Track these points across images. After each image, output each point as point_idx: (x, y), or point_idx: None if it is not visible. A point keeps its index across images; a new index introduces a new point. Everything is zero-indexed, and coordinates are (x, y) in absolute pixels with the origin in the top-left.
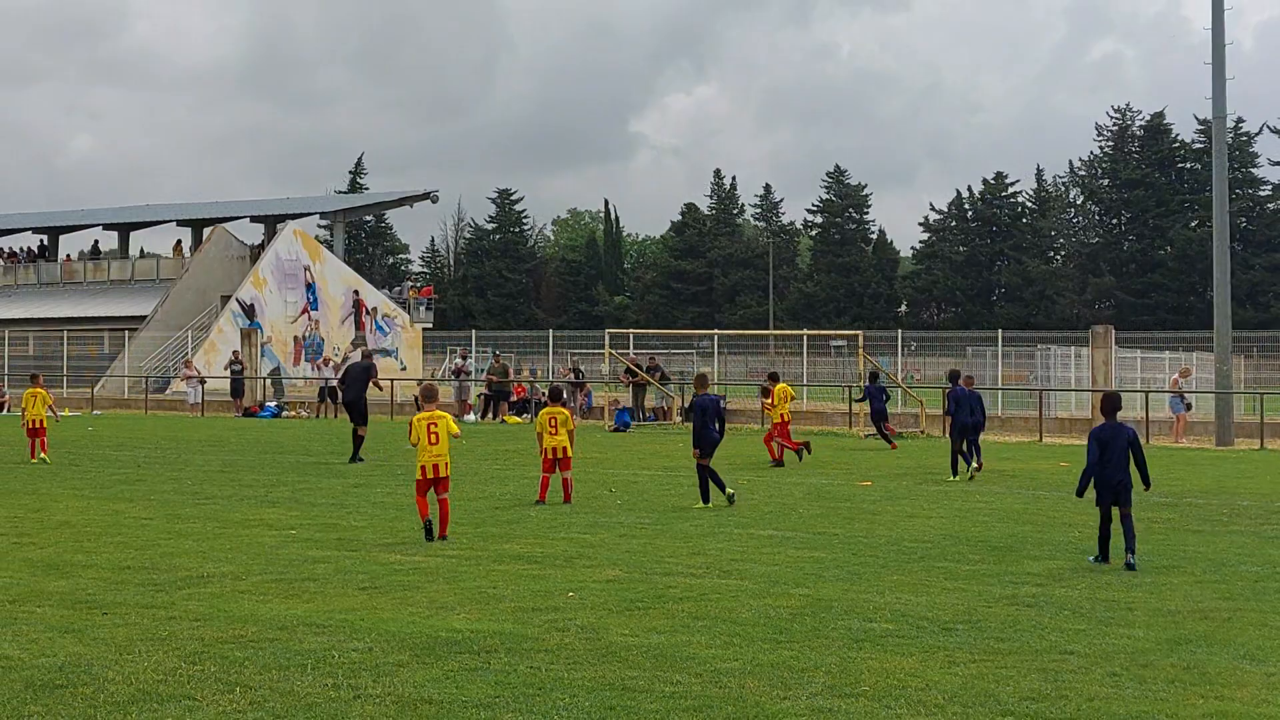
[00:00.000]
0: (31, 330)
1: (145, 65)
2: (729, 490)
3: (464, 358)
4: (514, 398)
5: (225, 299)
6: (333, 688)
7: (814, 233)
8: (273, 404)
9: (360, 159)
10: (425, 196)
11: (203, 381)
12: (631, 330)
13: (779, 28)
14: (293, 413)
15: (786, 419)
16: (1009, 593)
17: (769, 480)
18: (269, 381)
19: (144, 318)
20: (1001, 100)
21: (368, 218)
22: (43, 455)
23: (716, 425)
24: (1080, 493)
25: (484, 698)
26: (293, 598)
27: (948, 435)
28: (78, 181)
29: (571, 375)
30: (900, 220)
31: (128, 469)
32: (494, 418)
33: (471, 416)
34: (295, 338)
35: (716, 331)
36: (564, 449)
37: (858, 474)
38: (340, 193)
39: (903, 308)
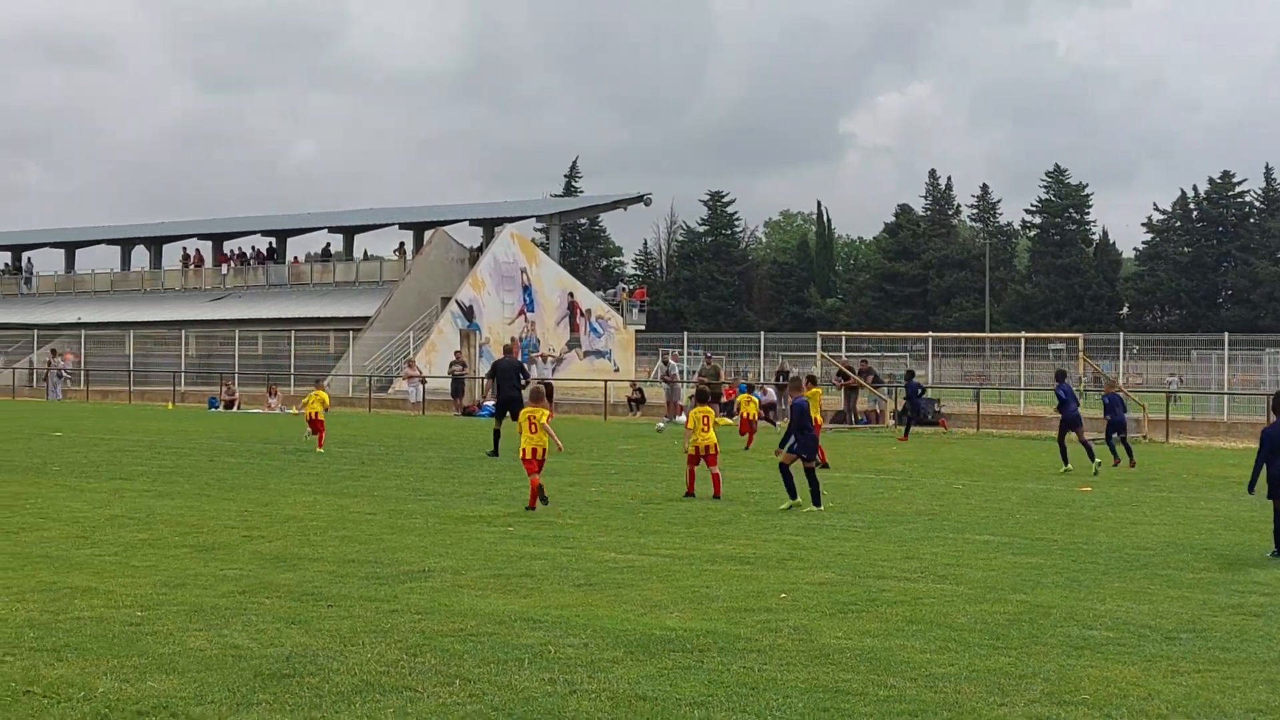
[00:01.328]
0: (261, 330)
1: (362, 71)
2: (817, 505)
3: (668, 362)
4: (724, 399)
5: (445, 300)
6: (549, 682)
7: (1032, 233)
8: (490, 403)
9: (575, 162)
10: (639, 199)
11: (424, 381)
12: (844, 333)
13: (993, 25)
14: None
15: (818, 423)
16: (1235, 601)
17: (984, 485)
18: (487, 381)
19: (368, 318)
20: (1224, 97)
21: (582, 220)
22: (319, 448)
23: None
24: (1251, 488)
25: (697, 696)
26: (510, 593)
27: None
28: (299, 185)
29: (777, 378)
30: (1120, 220)
31: (352, 465)
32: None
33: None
34: (512, 339)
35: (931, 334)
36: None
37: (1078, 480)
38: (555, 196)
39: (1124, 310)
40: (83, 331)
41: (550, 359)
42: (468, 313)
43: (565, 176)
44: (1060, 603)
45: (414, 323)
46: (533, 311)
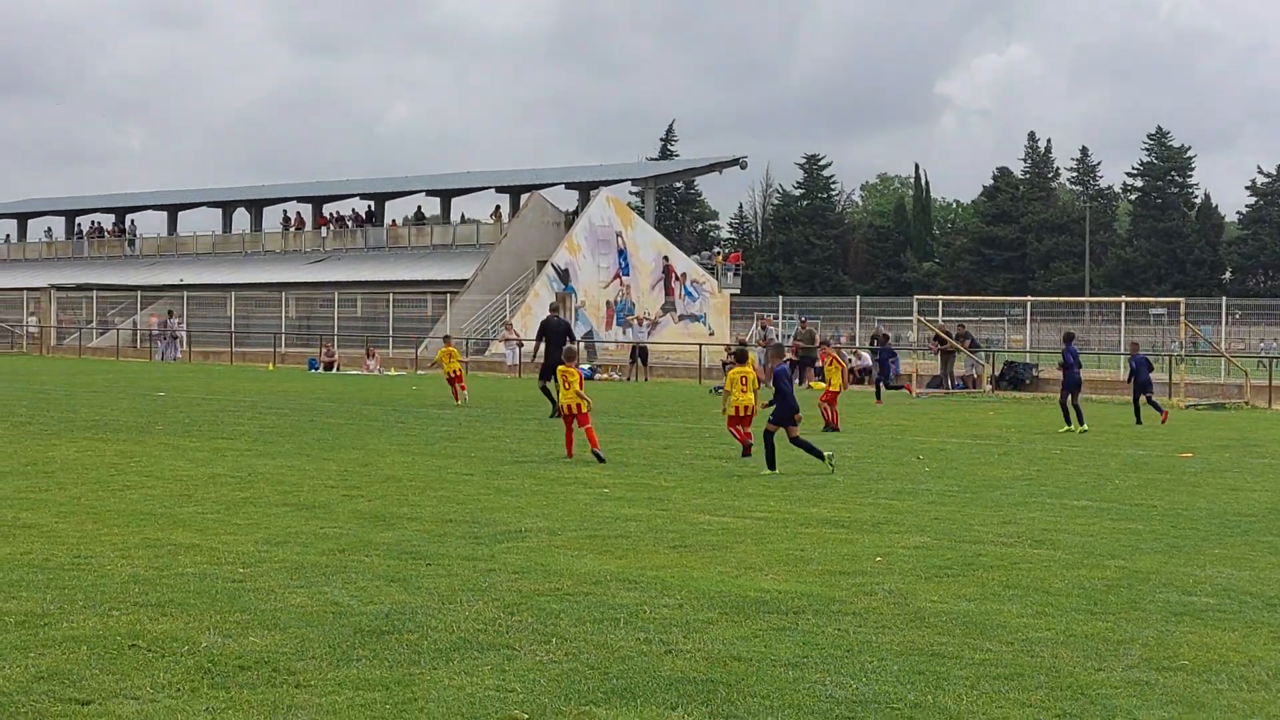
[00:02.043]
0: (359, 292)
1: (459, 34)
2: (827, 453)
3: (765, 327)
4: (819, 364)
5: (541, 264)
6: (644, 642)
7: (1133, 197)
8: (586, 366)
9: (671, 126)
10: (734, 162)
11: (520, 344)
12: (940, 297)
13: None
14: (605, 375)
15: (833, 388)
16: None
17: (1083, 451)
18: (582, 345)
19: (464, 281)
20: None
21: (678, 184)
22: (463, 394)
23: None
24: None
25: (792, 657)
26: (605, 554)
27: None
28: (397, 149)
29: (872, 342)
30: (1222, 183)
31: (450, 426)
32: (800, 383)
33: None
34: (607, 302)
35: (1029, 298)
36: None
37: (1177, 445)
38: (651, 159)
39: (1227, 275)
40: (185, 293)
41: (645, 322)
42: (563, 276)
43: (661, 140)
44: (1159, 568)
45: (510, 286)
46: (628, 275)
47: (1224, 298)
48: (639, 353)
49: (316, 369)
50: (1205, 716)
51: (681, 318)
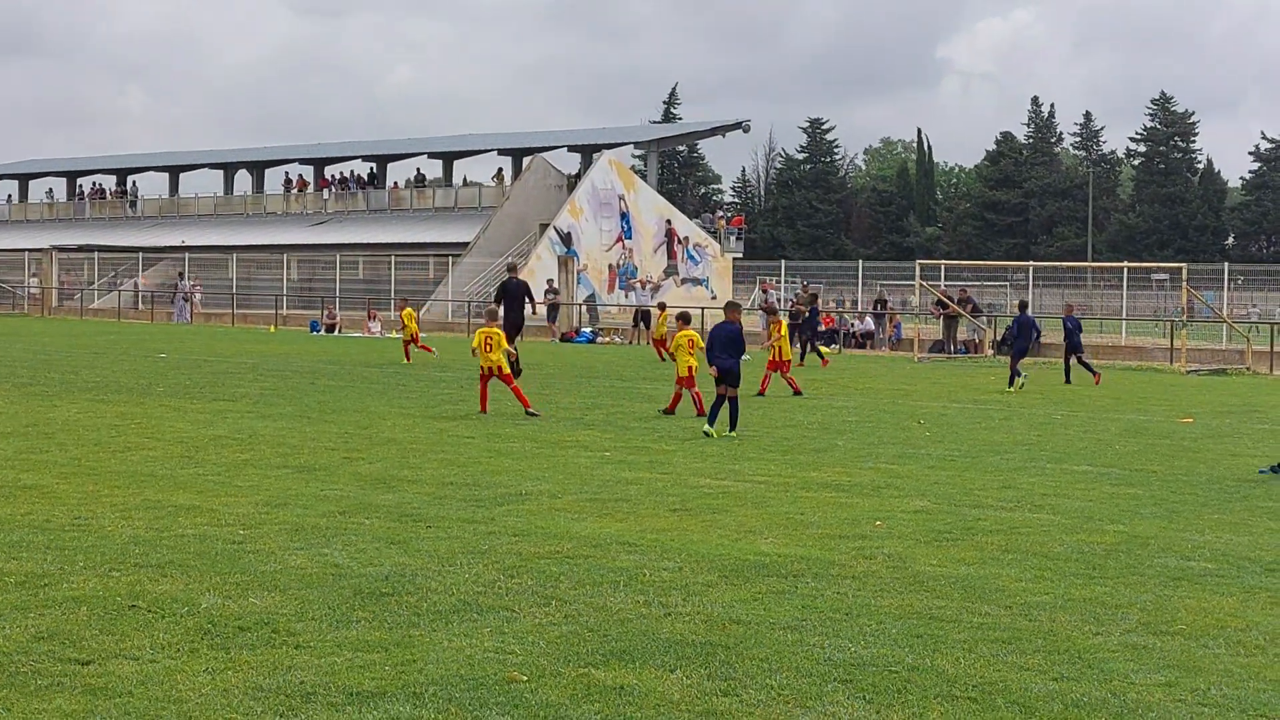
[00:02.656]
0: (361, 255)
1: None
2: (729, 433)
3: (766, 290)
4: (822, 328)
5: (543, 227)
6: (644, 604)
7: (1137, 162)
8: (588, 330)
9: (674, 89)
10: (737, 126)
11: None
12: (943, 261)
13: None
14: (607, 338)
15: (784, 357)
16: None
17: (1084, 416)
18: (584, 308)
19: (466, 244)
20: None
21: (680, 148)
22: (427, 354)
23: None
24: None
25: (791, 620)
26: (606, 517)
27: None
28: (399, 111)
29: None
30: (1225, 149)
31: (451, 389)
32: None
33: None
34: (609, 266)
35: (1032, 263)
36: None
37: (1179, 410)
38: (654, 123)
39: (1230, 240)
40: (186, 254)
41: (648, 286)
42: (566, 239)
43: (664, 103)
44: (1158, 533)
45: (512, 249)
46: (630, 238)
47: (1226, 264)
48: (642, 316)
49: (318, 331)
50: (1202, 681)
51: (684, 281)
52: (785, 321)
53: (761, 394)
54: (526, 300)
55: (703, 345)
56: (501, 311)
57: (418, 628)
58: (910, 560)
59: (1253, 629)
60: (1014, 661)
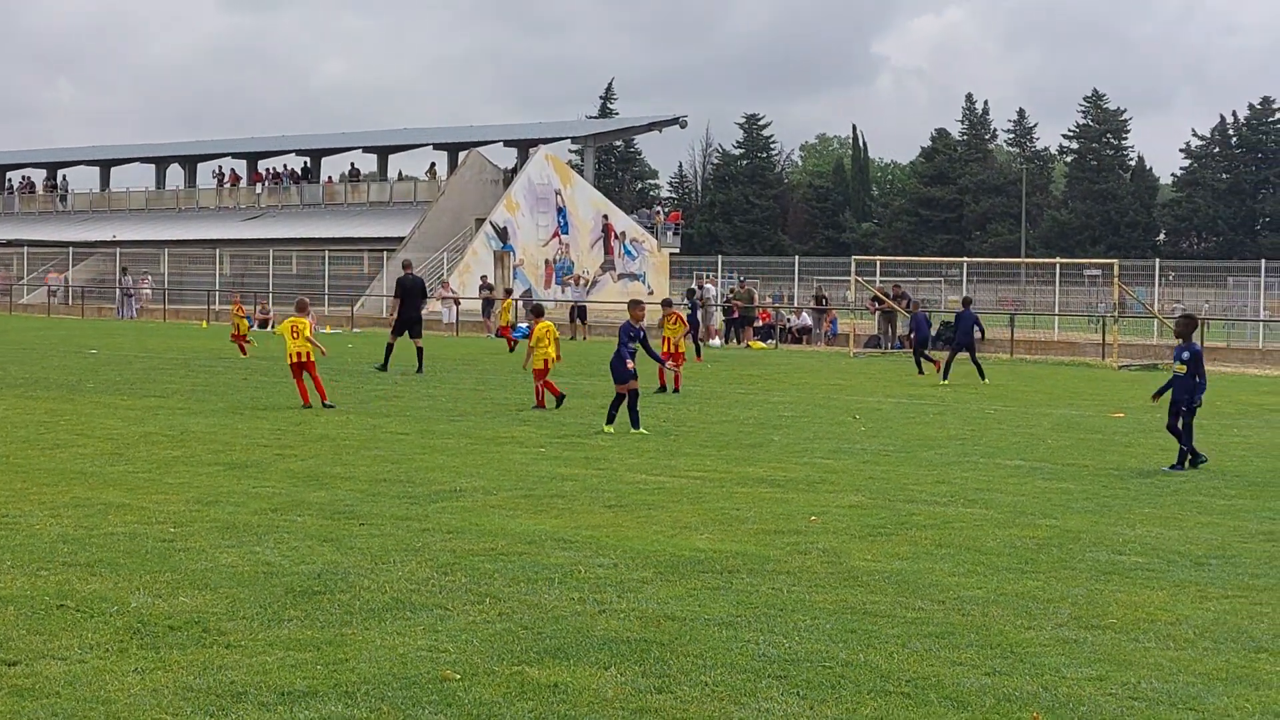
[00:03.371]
0: (295, 250)
1: None
2: (637, 430)
3: (700, 286)
4: (759, 323)
5: (479, 222)
6: (579, 601)
7: (1069, 159)
8: (524, 325)
9: (610, 84)
10: (674, 121)
11: (458, 302)
12: (878, 257)
13: None
14: None
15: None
16: (1266, 528)
17: (1017, 411)
18: (520, 303)
19: (401, 239)
20: (1265, 22)
21: (617, 143)
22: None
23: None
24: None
25: (726, 616)
26: (541, 513)
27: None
28: (331, 104)
29: (813, 302)
30: (1155, 146)
31: (385, 385)
32: (738, 343)
33: (716, 341)
34: (546, 261)
35: (966, 259)
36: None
37: (1111, 405)
38: (590, 118)
39: (1161, 237)
40: (117, 250)
41: (584, 281)
42: (502, 234)
43: (601, 98)
44: (1090, 528)
45: (448, 244)
46: (567, 234)
47: (1157, 260)
48: (578, 312)
49: (252, 327)
50: (1132, 675)
51: (621, 276)
52: (682, 315)
53: (674, 389)
54: (422, 297)
55: (558, 335)
56: (399, 308)
57: (350, 626)
58: (844, 555)
59: (1182, 622)
60: (947, 656)
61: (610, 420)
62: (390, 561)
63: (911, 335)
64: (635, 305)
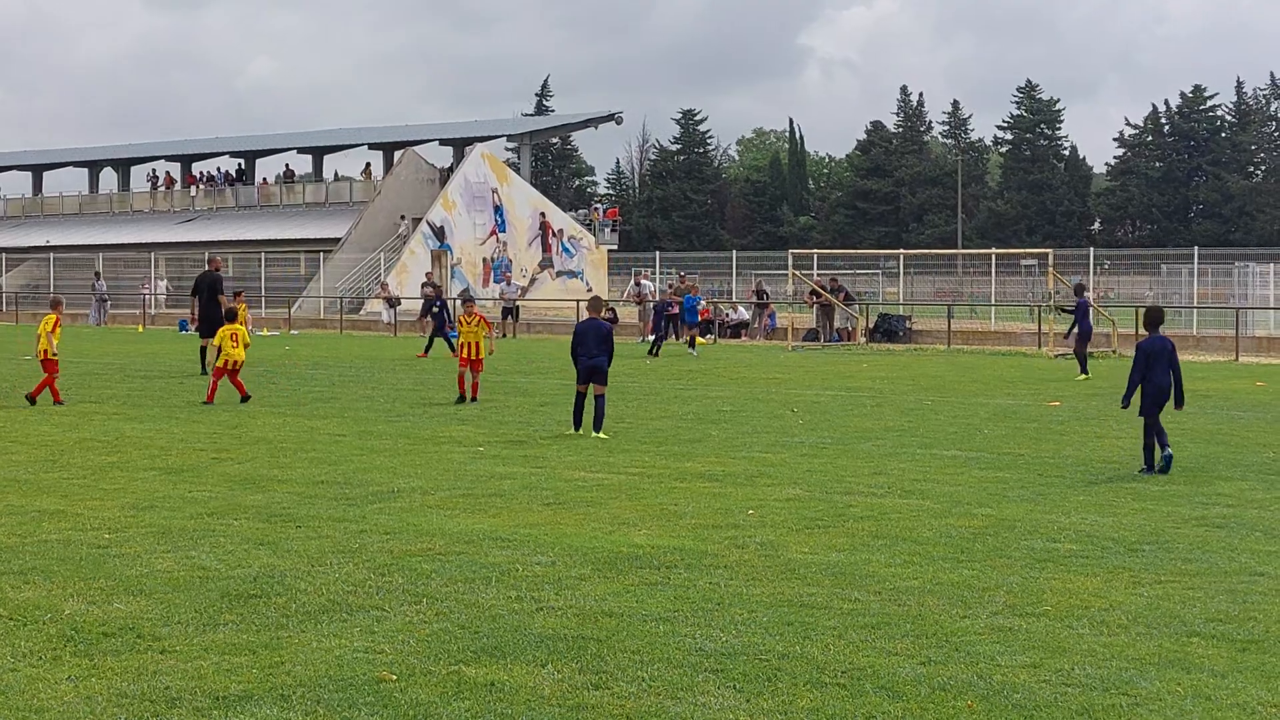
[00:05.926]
0: (231, 252)
1: None
2: (596, 434)
3: (640, 282)
4: (699, 319)
5: (416, 221)
6: (516, 600)
7: (1004, 150)
8: (452, 332)
9: (546, 81)
10: (610, 118)
11: (396, 303)
12: (816, 250)
13: None
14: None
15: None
16: (1199, 514)
17: (954, 402)
18: (459, 302)
19: (338, 240)
20: (1191, 10)
21: (553, 140)
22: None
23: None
24: (1125, 402)
25: (663, 611)
26: (479, 512)
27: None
28: (262, 103)
29: (754, 296)
30: (1088, 135)
31: (322, 387)
32: (677, 339)
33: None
34: (484, 259)
35: (903, 251)
36: (237, 361)
37: (1047, 394)
38: (526, 115)
39: (1096, 225)
40: (51, 254)
41: (524, 275)
42: (439, 233)
43: (536, 95)
44: (1025, 516)
45: (385, 244)
46: (504, 232)
47: (1092, 249)
48: (509, 310)
49: (188, 330)
50: (1066, 661)
51: (559, 274)
52: (484, 314)
53: (472, 397)
54: (220, 295)
55: (249, 342)
56: (198, 305)
57: (286, 629)
58: (782, 548)
59: (1116, 609)
60: (883, 646)
61: (577, 423)
62: (327, 564)
63: (1073, 332)
64: (598, 304)
